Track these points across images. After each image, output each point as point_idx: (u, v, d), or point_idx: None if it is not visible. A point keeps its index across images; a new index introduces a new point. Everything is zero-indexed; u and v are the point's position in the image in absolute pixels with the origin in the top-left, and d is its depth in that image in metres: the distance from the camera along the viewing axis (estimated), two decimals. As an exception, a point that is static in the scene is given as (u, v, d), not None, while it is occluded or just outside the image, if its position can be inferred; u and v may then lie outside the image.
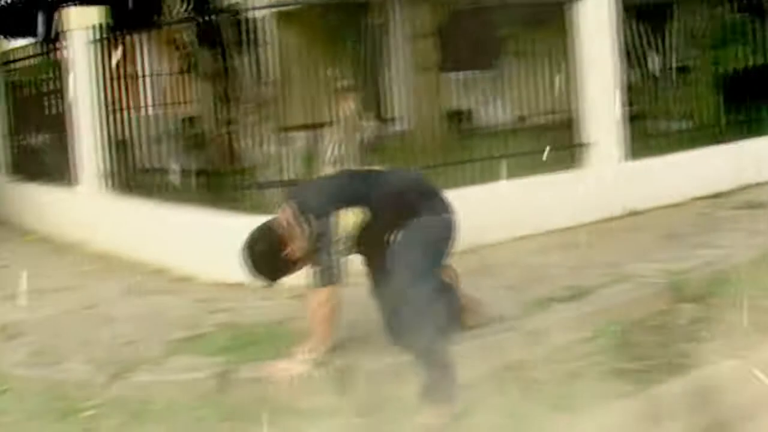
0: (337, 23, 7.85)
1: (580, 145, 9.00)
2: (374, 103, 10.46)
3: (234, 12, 7.98)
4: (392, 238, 5.08)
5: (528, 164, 8.73)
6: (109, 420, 5.12)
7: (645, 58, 10.85)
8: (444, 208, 5.32)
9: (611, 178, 9.04)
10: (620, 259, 7.19)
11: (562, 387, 5.10)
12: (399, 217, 5.12)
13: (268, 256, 5.28)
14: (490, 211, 8.19)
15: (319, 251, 5.05)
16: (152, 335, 6.22)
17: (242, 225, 7.46)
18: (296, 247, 5.15)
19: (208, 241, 7.86)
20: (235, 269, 7.40)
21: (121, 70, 9.58)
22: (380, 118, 8.27)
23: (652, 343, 5.71)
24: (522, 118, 8.99)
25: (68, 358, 5.86)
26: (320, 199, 5.18)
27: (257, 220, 7.45)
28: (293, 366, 5.25)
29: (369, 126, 8.43)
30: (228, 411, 5.12)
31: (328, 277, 5.07)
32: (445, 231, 5.26)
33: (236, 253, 7.38)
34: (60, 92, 11.39)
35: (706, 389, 4.99)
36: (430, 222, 5.21)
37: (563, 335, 5.72)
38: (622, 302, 6.17)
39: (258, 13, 7.78)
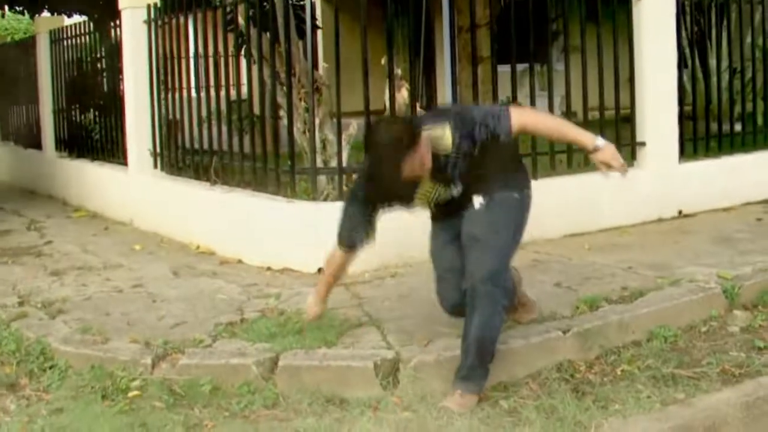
0: (392, 11, 7.78)
1: (635, 143, 8.90)
2: (426, 92, 10.43)
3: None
4: (491, 195, 4.96)
5: (581, 160, 8.65)
6: (152, 401, 5.10)
7: (702, 58, 10.75)
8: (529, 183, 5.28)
9: (665, 178, 8.94)
10: (673, 261, 7.09)
11: (611, 390, 5.03)
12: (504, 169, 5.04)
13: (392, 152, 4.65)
14: (542, 207, 8.07)
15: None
16: (199, 317, 6.21)
17: (292, 210, 7.52)
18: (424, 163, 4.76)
19: (257, 225, 7.85)
20: (283, 254, 7.45)
21: (174, 50, 9.59)
22: (432, 107, 8.20)
23: (704, 349, 5.62)
24: (575, 113, 8.89)
25: (114, 336, 5.85)
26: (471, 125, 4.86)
27: (307, 206, 7.51)
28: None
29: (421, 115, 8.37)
30: (272, 398, 5.09)
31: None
32: (528, 213, 5.19)
33: (285, 237, 7.43)
34: (112, 70, 11.47)
35: (760, 400, 4.93)
36: (525, 197, 5.14)
37: (614, 337, 5.65)
38: (674, 306, 6.06)
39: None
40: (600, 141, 4.90)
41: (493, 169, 4.92)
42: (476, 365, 4.95)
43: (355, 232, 5.16)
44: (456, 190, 4.97)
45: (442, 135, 4.76)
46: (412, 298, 6.14)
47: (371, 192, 5.01)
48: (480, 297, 4.86)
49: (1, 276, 7.85)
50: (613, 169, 4.90)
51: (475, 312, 4.88)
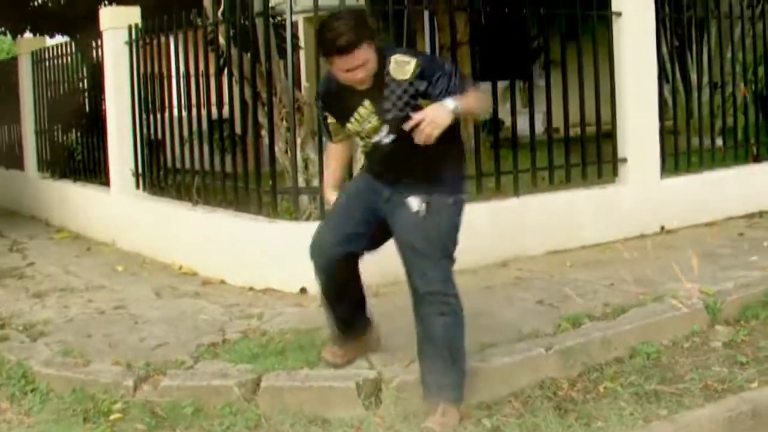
0: (374, 29, 7.79)
1: (617, 160, 8.92)
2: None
3: (269, 15, 7.95)
4: (428, 199, 4.89)
5: (563, 177, 8.69)
6: (135, 423, 5.07)
7: (682, 73, 10.78)
8: None
9: (647, 194, 8.96)
10: (655, 277, 7.11)
11: (593, 407, 5.03)
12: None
13: (363, 18, 4.77)
14: (524, 224, 8.15)
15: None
16: (181, 339, 6.18)
17: (274, 230, 7.51)
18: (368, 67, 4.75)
19: (239, 245, 7.83)
20: (265, 274, 7.44)
21: (156, 71, 9.59)
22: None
23: (686, 365, 5.62)
24: (557, 130, 8.92)
25: (96, 359, 5.82)
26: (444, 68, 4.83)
27: (289, 226, 7.50)
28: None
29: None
30: (254, 420, 5.06)
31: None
32: (462, 216, 5.10)
33: (267, 257, 7.42)
34: (94, 91, 11.45)
35: (743, 415, 4.93)
36: (459, 201, 5.05)
37: (597, 354, 5.65)
38: (656, 322, 6.07)
39: (293, 17, 7.75)
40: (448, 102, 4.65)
41: (433, 159, 4.85)
42: (450, 367, 4.90)
43: (322, 123, 5.47)
44: (384, 136, 4.89)
45: (408, 61, 4.75)
46: (395, 317, 6.11)
47: (321, 86, 5.22)
48: (437, 308, 4.85)
49: (-17, 299, 7.81)
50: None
51: (437, 322, 4.86)
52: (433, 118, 4.54)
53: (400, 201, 4.93)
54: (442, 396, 4.88)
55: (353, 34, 4.61)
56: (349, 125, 5.03)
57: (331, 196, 5.41)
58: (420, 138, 4.57)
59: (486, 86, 8.26)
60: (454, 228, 4.98)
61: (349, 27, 4.62)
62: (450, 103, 4.58)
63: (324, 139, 5.57)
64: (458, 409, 4.91)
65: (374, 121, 4.88)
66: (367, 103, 4.87)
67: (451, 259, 4.95)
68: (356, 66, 4.68)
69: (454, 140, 4.94)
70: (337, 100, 5.04)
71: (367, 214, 5.11)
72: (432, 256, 4.86)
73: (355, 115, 4.93)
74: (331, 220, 5.31)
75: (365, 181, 5.20)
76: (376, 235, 5.15)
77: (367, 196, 5.12)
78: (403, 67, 4.75)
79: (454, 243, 4.98)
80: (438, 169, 4.90)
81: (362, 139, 5.04)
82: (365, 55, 4.67)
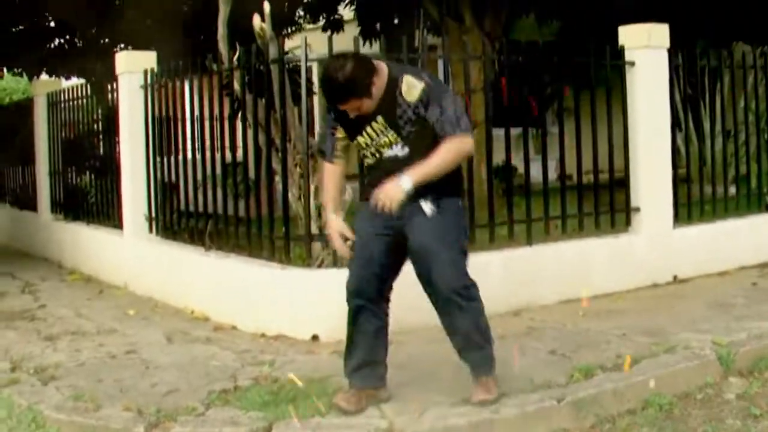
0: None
1: (630, 209, 8.91)
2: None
3: (284, 61, 7.99)
4: (438, 202, 5.36)
5: (576, 225, 8.68)
6: (145, 471, 5.07)
7: (695, 122, 10.80)
8: None
9: (660, 243, 8.95)
10: (668, 327, 7.08)
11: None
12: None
13: (358, 72, 5.21)
14: (537, 273, 8.14)
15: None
16: (192, 385, 6.16)
17: (286, 277, 7.51)
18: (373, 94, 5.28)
19: (252, 291, 7.83)
20: (277, 320, 7.43)
21: (170, 114, 9.64)
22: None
23: (699, 417, 5.59)
24: (570, 177, 8.91)
25: (107, 404, 5.80)
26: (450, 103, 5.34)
27: (301, 273, 7.50)
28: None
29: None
30: (266, 468, 5.06)
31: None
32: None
33: (280, 304, 7.41)
34: (108, 133, 11.50)
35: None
36: (462, 203, 5.66)
37: (609, 405, 5.62)
38: (669, 373, 6.04)
39: (308, 63, 7.79)
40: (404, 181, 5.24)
41: None
42: (483, 345, 5.50)
43: (322, 142, 5.73)
44: (399, 150, 5.35)
45: (416, 86, 5.26)
46: (409, 366, 6.11)
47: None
48: (459, 302, 5.34)
49: (-6, 341, 7.81)
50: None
51: (462, 313, 5.38)
52: (388, 196, 5.19)
53: (411, 209, 5.31)
54: (482, 372, 5.49)
55: (343, 93, 5.22)
56: (360, 138, 5.43)
57: (334, 220, 5.62)
58: (379, 207, 5.21)
59: (499, 132, 8.30)
60: (463, 226, 5.55)
61: (339, 86, 5.20)
62: (406, 183, 5.19)
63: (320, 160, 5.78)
64: (495, 377, 5.49)
65: (390, 136, 5.33)
66: (379, 119, 5.32)
67: (465, 254, 5.46)
68: (351, 109, 5.30)
69: None
70: (349, 115, 5.39)
71: (384, 245, 5.45)
72: (448, 253, 5.31)
73: (368, 129, 5.36)
74: (356, 264, 5.53)
75: (370, 215, 5.44)
76: (398, 259, 5.55)
77: (378, 228, 5.42)
78: (411, 89, 5.26)
79: (465, 238, 5.57)
80: (443, 178, 5.32)
81: (371, 153, 5.45)
82: (357, 104, 5.25)
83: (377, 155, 5.43)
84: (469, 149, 5.41)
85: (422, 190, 5.26)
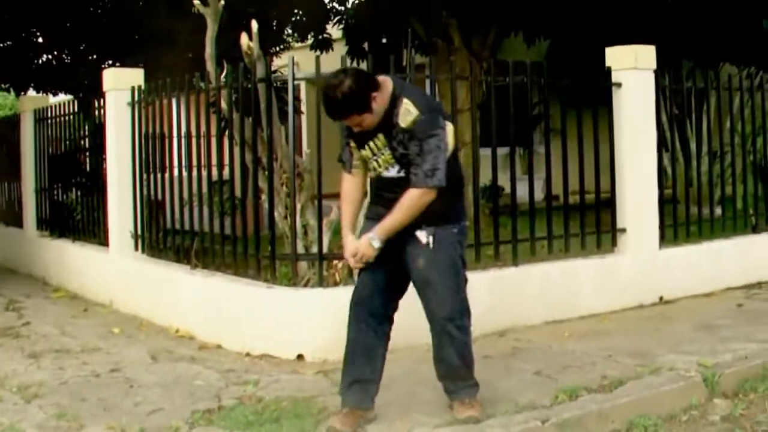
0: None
1: (616, 229, 8.93)
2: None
3: (272, 80, 7.98)
4: (434, 231, 5.43)
5: (562, 246, 8.68)
6: (127, 491, 5.04)
7: (682, 143, 10.82)
8: None
9: (646, 264, 8.97)
10: (653, 349, 7.09)
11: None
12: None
13: (356, 87, 5.26)
14: (523, 294, 8.14)
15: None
16: (176, 404, 6.14)
17: (272, 296, 7.49)
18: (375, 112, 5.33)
19: (237, 310, 7.81)
20: (262, 340, 7.41)
21: (157, 132, 9.62)
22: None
23: (685, 439, 5.59)
24: (557, 197, 8.92)
25: (90, 423, 5.78)
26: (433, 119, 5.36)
27: (287, 293, 7.49)
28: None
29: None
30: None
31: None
32: (465, 242, 5.80)
33: (265, 323, 7.39)
34: (95, 150, 11.48)
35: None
36: (463, 229, 5.70)
37: (594, 427, 5.61)
38: (654, 395, 6.03)
39: (295, 82, 7.79)
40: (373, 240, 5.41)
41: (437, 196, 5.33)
42: (467, 375, 5.62)
43: (342, 152, 5.75)
44: (395, 171, 5.41)
45: (411, 114, 5.27)
46: (394, 386, 6.09)
47: None
48: (451, 332, 5.46)
49: (-22, 358, 7.77)
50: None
51: (451, 344, 5.49)
52: (361, 253, 5.40)
53: (408, 239, 5.42)
54: (467, 395, 5.60)
55: (341, 108, 5.28)
56: (363, 151, 5.51)
57: (349, 239, 5.60)
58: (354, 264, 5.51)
59: (486, 152, 8.30)
60: (459, 256, 5.55)
61: (337, 102, 5.26)
62: (375, 242, 5.35)
63: (342, 174, 5.79)
64: (478, 400, 5.61)
65: (387, 154, 5.40)
66: (381, 136, 5.38)
67: (462, 285, 5.55)
68: (353, 125, 5.38)
69: (452, 176, 5.39)
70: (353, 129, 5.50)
71: (386, 272, 5.54)
72: (447, 283, 5.43)
73: (371, 144, 5.43)
74: (361, 279, 5.66)
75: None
76: (401, 282, 5.62)
77: (381, 257, 5.44)
78: (405, 116, 5.27)
79: (464, 265, 5.61)
80: (441, 203, 5.36)
81: (373, 167, 5.53)
82: (358, 119, 5.29)
83: (378, 170, 5.49)
84: (429, 201, 5.36)
85: (417, 220, 5.35)
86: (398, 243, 5.41)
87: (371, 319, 5.53)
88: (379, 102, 5.29)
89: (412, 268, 5.45)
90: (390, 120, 5.30)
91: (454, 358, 5.51)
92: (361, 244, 5.39)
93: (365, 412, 5.55)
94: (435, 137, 5.28)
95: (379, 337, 5.58)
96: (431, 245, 5.39)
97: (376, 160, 5.44)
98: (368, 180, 5.75)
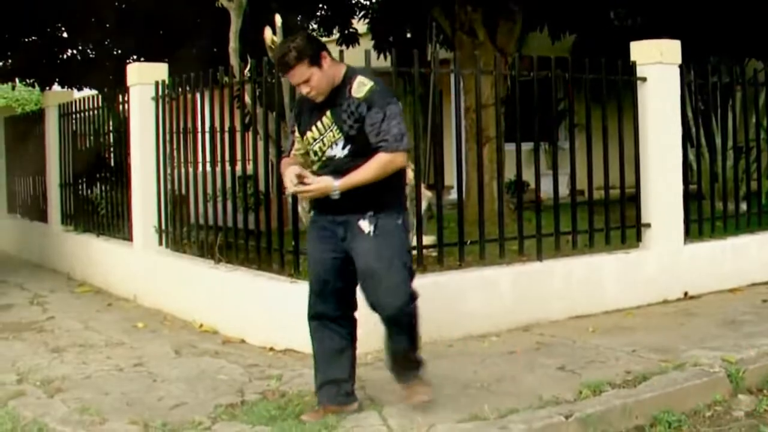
0: (400, 90, 7.81)
1: (641, 224, 8.89)
2: (433, 172, 10.44)
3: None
4: (375, 220, 5.41)
5: (586, 241, 8.65)
6: (150, 485, 5.05)
7: (707, 138, 10.76)
8: None
9: (671, 260, 8.93)
10: (677, 344, 7.05)
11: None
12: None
13: (307, 41, 5.48)
14: (547, 289, 8.11)
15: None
16: (199, 398, 6.15)
17: (295, 290, 7.47)
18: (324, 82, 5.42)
19: (260, 305, 7.81)
20: (285, 334, 7.40)
21: (181, 127, 9.63)
22: (437, 187, 8.20)
23: (709, 435, 5.56)
24: (581, 192, 8.88)
25: (113, 417, 5.78)
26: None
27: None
28: None
29: (426, 195, 8.37)
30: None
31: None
32: (408, 234, 5.88)
33: (288, 317, 7.39)
34: (119, 145, 11.50)
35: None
36: (405, 220, 5.64)
37: (617, 422, 5.58)
38: (678, 390, 6.00)
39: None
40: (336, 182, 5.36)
41: (380, 182, 5.37)
42: (415, 358, 5.67)
43: (287, 140, 5.93)
44: (340, 149, 5.41)
45: (365, 84, 5.38)
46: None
47: (297, 98, 5.77)
48: (401, 322, 5.47)
49: (1, 352, 7.78)
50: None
51: (402, 333, 5.53)
52: (316, 185, 5.34)
53: (352, 229, 5.43)
54: (415, 379, 5.68)
55: (291, 56, 5.36)
56: (309, 134, 5.52)
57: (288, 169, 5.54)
58: (298, 189, 5.40)
59: (510, 147, 8.28)
60: (405, 245, 5.60)
61: (288, 50, 5.39)
62: (336, 183, 5.31)
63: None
64: (424, 380, 5.70)
65: (335, 131, 5.41)
66: (328, 113, 5.44)
67: (407, 275, 5.50)
68: (299, 82, 5.42)
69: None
70: (308, 111, 5.57)
71: (334, 268, 5.54)
72: (392, 274, 5.39)
73: (318, 124, 5.47)
74: (312, 285, 5.69)
75: (319, 235, 5.61)
76: (350, 278, 5.55)
77: (326, 252, 5.55)
78: (360, 86, 5.39)
79: (409, 258, 5.68)
80: (384, 192, 5.42)
81: (314, 152, 5.52)
82: (308, 73, 5.36)
83: (320, 153, 5.48)
84: (400, 165, 5.44)
85: (359, 206, 5.39)
86: (342, 234, 5.45)
87: (329, 323, 5.60)
88: (330, 67, 5.41)
89: (358, 262, 5.43)
90: (341, 97, 5.40)
91: (407, 344, 5.58)
92: (321, 179, 5.37)
93: (341, 407, 5.61)
94: (394, 104, 5.40)
95: (343, 337, 5.63)
96: (372, 234, 5.38)
97: (321, 140, 5.45)
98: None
